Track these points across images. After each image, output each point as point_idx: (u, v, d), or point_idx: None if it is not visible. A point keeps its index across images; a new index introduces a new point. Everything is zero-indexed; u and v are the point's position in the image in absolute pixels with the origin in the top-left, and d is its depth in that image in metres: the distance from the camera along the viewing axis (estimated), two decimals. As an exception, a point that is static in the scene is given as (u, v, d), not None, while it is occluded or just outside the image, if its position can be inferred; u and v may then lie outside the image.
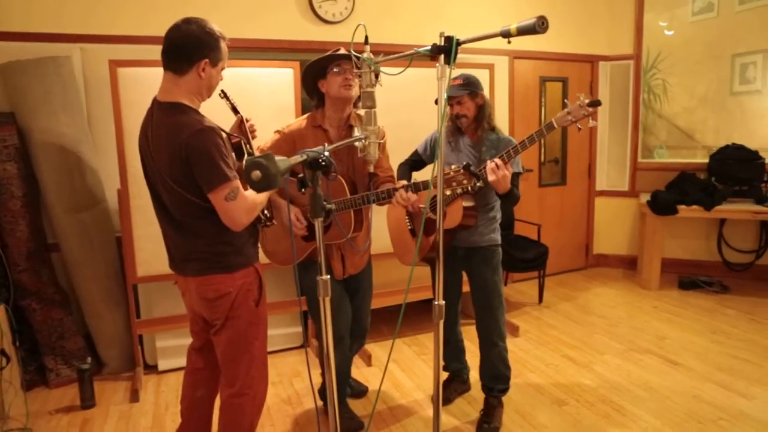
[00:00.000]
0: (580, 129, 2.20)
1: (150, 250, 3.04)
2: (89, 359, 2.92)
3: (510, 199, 2.36)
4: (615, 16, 5.01)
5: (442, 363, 3.08)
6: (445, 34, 1.60)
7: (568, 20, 4.85)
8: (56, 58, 3.10)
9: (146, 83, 2.93)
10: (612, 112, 5.13)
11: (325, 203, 1.50)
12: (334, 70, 2.24)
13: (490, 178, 2.21)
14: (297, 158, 1.40)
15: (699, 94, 4.91)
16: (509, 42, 1.49)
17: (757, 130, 4.67)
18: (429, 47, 1.65)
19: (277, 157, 1.26)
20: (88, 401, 2.85)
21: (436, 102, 2.54)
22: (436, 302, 1.71)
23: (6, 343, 2.80)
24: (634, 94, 5.00)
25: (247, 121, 2.15)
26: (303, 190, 1.49)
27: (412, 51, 1.79)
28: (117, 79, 2.92)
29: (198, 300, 1.91)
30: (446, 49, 1.58)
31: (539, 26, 1.33)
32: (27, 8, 3.19)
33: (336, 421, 1.62)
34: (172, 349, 3.30)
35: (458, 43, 1.58)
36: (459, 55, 1.56)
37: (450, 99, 2.53)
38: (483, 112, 2.50)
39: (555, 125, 2.18)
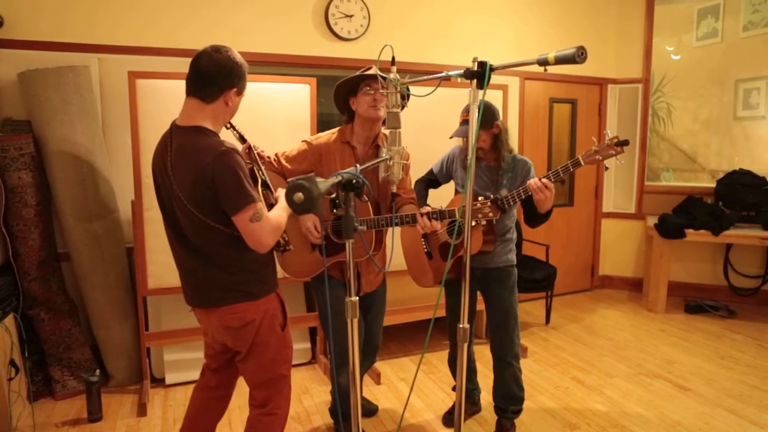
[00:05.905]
0: (607, 168, 2.21)
1: (162, 262, 3.03)
2: (97, 371, 2.89)
3: (547, 218, 2.36)
4: (624, 40, 5.07)
5: (453, 384, 3.09)
6: (478, 59, 1.62)
7: (578, 43, 4.87)
8: (75, 68, 3.10)
9: (163, 95, 2.95)
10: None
11: (356, 224, 1.51)
12: (365, 89, 2.26)
13: (538, 196, 2.21)
14: (333, 179, 1.40)
15: (702, 118, 4.97)
16: (545, 70, 1.50)
17: (760, 155, 4.71)
18: (461, 71, 1.66)
19: (317, 179, 1.26)
20: (95, 414, 2.81)
21: (451, 137, 2.56)
22: (460, 325, 1.71)
23: (15, 353, 2.77)
24: (642, 117, 5.03)
25: (255, 148, 2.10)
26: (335, 210, 1.50)
27: (442, 74, 1.81)
28: (135, 90, 2.92)
29: (221, 329, 1.87)
30: (479, 74, 1.60)
31: (578, 56, 1.34)
32: (46, 17, 3.21)
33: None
34: (180, 363, 3.27)
35: (491, 69, 1.60)
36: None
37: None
38: (499, 140, 2.47)
39: (582, 162, 2.18)
